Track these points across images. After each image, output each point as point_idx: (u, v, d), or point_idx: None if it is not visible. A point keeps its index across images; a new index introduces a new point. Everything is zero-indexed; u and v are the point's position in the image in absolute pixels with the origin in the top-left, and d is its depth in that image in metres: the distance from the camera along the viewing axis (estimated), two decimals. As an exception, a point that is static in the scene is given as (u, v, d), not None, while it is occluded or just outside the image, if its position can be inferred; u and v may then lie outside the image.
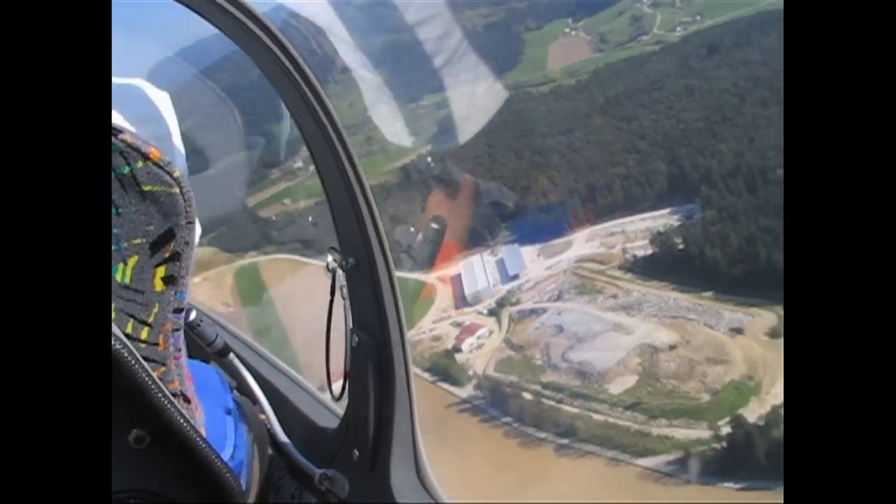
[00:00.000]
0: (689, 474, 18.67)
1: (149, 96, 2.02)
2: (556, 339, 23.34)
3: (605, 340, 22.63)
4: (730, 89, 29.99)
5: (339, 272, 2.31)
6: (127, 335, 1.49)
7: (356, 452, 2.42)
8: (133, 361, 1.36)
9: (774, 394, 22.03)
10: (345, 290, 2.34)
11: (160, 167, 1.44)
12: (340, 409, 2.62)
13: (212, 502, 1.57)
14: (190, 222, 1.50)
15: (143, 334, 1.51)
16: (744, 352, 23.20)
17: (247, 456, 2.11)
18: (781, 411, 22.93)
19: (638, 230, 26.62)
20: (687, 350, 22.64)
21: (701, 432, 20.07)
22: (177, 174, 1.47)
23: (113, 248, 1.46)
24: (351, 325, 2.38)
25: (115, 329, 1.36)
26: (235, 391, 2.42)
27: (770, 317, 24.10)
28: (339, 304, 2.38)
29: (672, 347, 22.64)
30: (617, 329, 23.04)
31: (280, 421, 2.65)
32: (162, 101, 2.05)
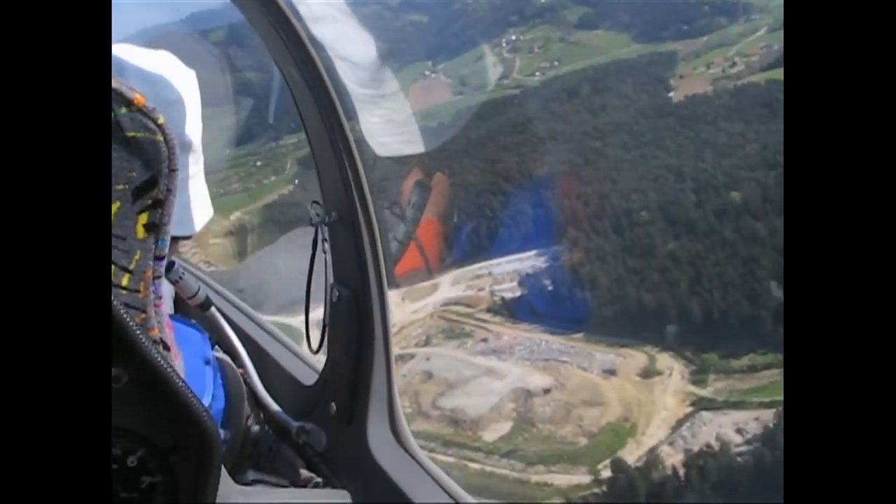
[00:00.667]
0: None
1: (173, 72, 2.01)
2: (426, 386, 23.20)
3: (477, 386, 22.77)
4: (591, 133, 31.52)
5: (322, 226, 2.36)
6: None
7: (333, 406, 2.46)
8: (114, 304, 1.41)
9: (651, 434, 22.86)
10: (327, 245, 2.39)
11: (144, 114, 1.46)
12: (319, 364, 2.66)
13: (189, 442, 1.59)
14: (173, 170, 1.52)
15: (124, 281, 1.53)
16: (618, 393, 24.00)
17: (225, 407, 2.14)
18: (659, 452, 23.97)
19: (505, 272, 27.24)
20: (562, 393, 23.13)
21: (580, 477, 20.40)
22: (161, 121, 1.48)
23: None
24: (332, 280, 2.43)
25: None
26: (216, 345, 2.43)
27: (641, 357, 25.12)
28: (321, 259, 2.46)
29: (546, 391, 23.13)
30: (489, 374, 23.28)
31: (259, 375, 2.66)
32: (187, 78, 2.05)
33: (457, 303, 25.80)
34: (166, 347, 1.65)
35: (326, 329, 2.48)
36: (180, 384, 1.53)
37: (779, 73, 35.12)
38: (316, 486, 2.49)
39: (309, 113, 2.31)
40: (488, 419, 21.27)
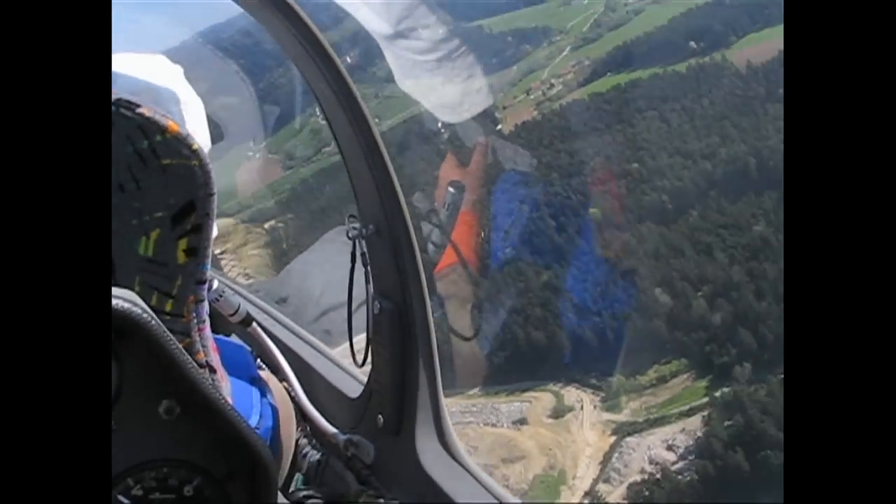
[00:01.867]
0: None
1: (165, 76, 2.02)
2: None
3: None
4: (432, 182, 31.85)
5: (360, 239, 2.45)
6: (152, 307, 1.56)
7: (380, 418, 2.53)
8: (160, 333, 1.48)
9: (582, 476, 22.73)
10: (366, 257, 2.47)
11: (179, 140, 1.55)
12: (363, 375, 2.74)
13: (243, 469, 1.67)
14: (210, 194, 1.59)
15: (168, 306, 1.62)
16: (535, 441, 23.78)
17: (273, 424, 2.18)
18: (598, 493, 23.85)
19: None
20: (477, 457, 22.66)
21: (525, 543, 19.85)
22: (195, 146, 1.56)
23: (134, 221, 1.56)
24: (372, 292, 2.52)
25: (140, 302, 1.49)
26: (259, 361, 2.50)
27: (547, 397, 25.10)
28: (361, 271, 2.54)
29: (459, 460, 22.61)
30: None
31: (304, 389, 2.72)
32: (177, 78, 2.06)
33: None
34: (213, 371, 1.74)
35: (370, 342, 2.55)
36: (231, 412, 1.62)
37: (598, 86, 37.17)
38: (367, 498, 2.56)
39: (341, 128, 2.39)
40: None
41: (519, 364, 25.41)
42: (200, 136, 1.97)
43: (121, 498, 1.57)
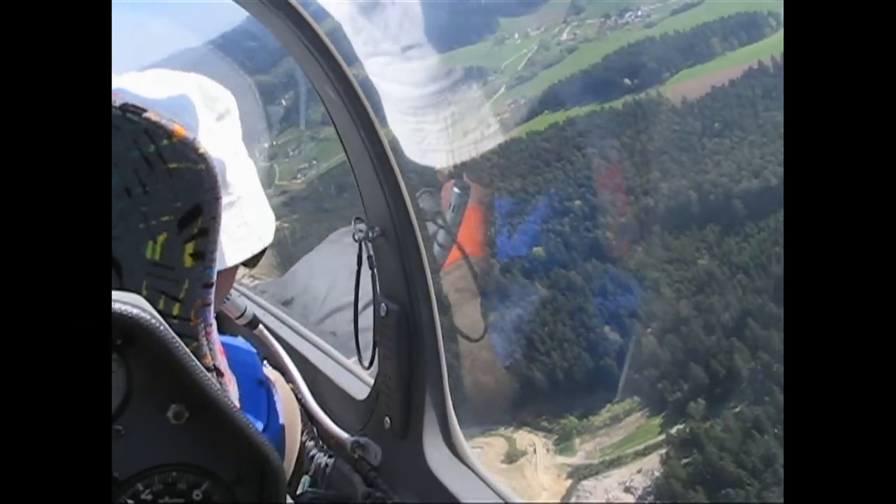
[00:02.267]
0: None
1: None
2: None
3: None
4: (369, 227, 32.16)
5: (367, 242, 2.51)
6: (159, 311, 1.61)
7: (388, 420, 2.59)
8: (168, 338, 1.52)
9: None
10: (372, 259, 2.53)
11: (185, 144, 1.59)
12: (370, 377, 2.80)
13: (252, 472, 1.72)
14: (217, 198, 1.64)
15: (175, 310, 1.66)
16: (489, 488, 23.61)
17: (280, 427, 2.25)
18: None
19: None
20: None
21: None
22: (202, 150, 1.61)
23: (141, 225, 1.60)
24: (379, 294, 2.57)
25: (148, 306, 1.53)
26: (266, 362, 2.54)
27: (499, 442, 24.93)
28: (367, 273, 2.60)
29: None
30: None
31: (311, 390, 2.83)
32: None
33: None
34: (220, 374, 1.77)
35: (377, 344, 2.61)
36: (239, 415, 1.66)
37: (535, 124, 37.80)
38: (374, 500, 2.62)
39: (347, 130, 2.46)
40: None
41: (467, 410, 25.29)
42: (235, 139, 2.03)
43: (130, 503, 1.60)
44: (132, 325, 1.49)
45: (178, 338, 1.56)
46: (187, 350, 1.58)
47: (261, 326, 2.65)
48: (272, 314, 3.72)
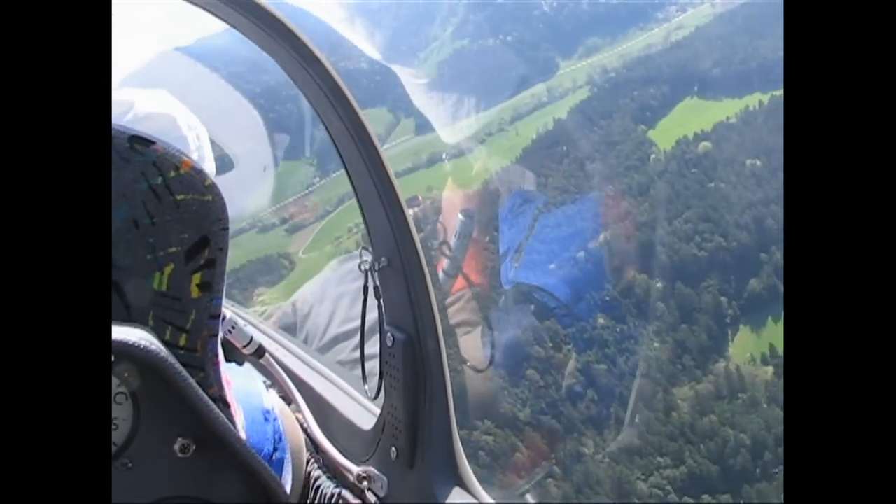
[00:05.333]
0: None
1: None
2: None
3: None
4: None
5: (373, 272, 2.64)
6: (165, 342, 1.71)
7: (394, 450, 2.67)
8: (176, 371, 1.62)
9: None
10: (378, 290, 2.65)
11: (193, 175, 1.71)
12: (376, 406, 2.90)
13: None
14: (224, 229, 1.76)
15: (182, 341, 1.76)
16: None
17: (285, 457, 2.37)
18: None
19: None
20: None
21: None
22: (209, 182, 1.72)
23: (149, 256, 1.69)
24: (385, 324, 2.67)
25: (152, 338, 1.63)
26: (272, 391, 2.66)
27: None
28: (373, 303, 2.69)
29: None
30: None
31: (317, 420, 2.93)
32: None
33: None
34: (226, 405, 1.85)
35: (383, 374, 2.72)
36: (245, 448, 1.76)
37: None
38: None
39: (352, 160, 2.58)
40: None
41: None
42: (207, 165, 2.04)
43: None
44: (140, 360, 1.58)
45: (185, 370, 1.63)
46: (194, 383, 1.65)
47: (267, 355, 2.73)
48: (278, 343, 3.83)
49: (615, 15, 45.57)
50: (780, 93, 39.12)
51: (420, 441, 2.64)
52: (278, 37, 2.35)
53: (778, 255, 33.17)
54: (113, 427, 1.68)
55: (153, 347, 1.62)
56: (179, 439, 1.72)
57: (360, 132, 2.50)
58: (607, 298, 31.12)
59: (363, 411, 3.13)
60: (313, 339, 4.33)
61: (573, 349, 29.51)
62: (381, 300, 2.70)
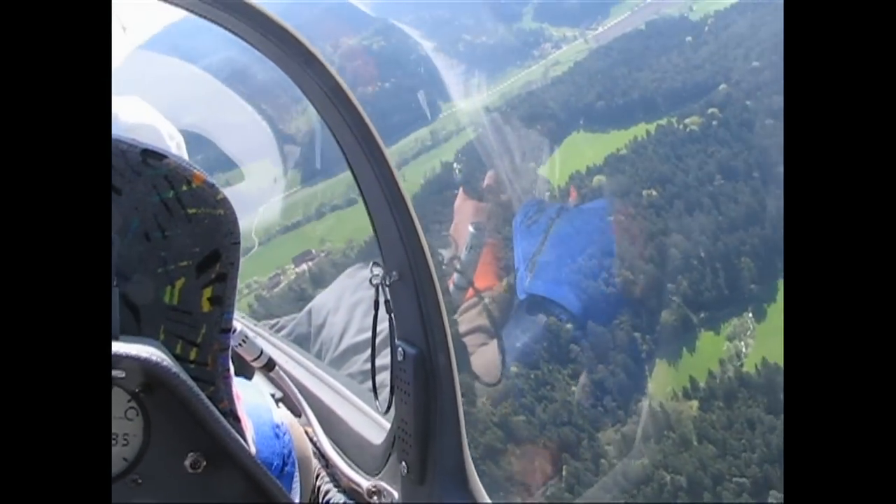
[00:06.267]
0: None
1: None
2: None
3: None
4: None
5: (384, 287, 2.66)
6: (176, 356, 1.74)
7: (404, 465, 2.68)
8: (187, 387, 1.64)
9: None
10: (389, 304, 2.67)
11: (204, 189, 1.71)
12: (386, 420, 2.92)
13: None
14: (235, 243, 1.77)
15: (192, 355, 1.79)
16: None
17: (295, 470, 2.42)
18: None
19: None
20: None
21: None
22: (220, 196, 1.73)
23: (160, 270, 1.72)
24: (396, 338, 2.70)
25: (166, 355, 1.66)
26: (281, 404, 2.74)
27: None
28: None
29: None
30: None
31: (327, 433, 2.98)
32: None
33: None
34: (236, 419, 1.88)
35: (394, 388, 2.73)
36: (255, 464, 1.78)
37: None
38: None
39: (364, 175, 2.62)
40: None
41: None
42: None
43: None
44: (151, 375, 1.61)
45: (196, 385, 1.67)
46: (205, 398, 1.68)
47: (277, 368, 2.77)
48: (287, 354, 3.89)
49: (492, 55, 46.34)
50: (665, 121, 40.42)
51: (431, 456, 2.65)
52: (291, 49, 2.41)
53: (685, 284, 33.73)
54: (123, 443, 1.70)
55: (164, 363, 1.63)
56: (190, 455, 1.74)
57: (372, 146, 2.54)
58: (517, 345, 30.92)
59: (373, 425, 3.15)
60: (327, 351, 4.35)
61: (488, 402, 29.12)
62: (392, 314, 2.71)
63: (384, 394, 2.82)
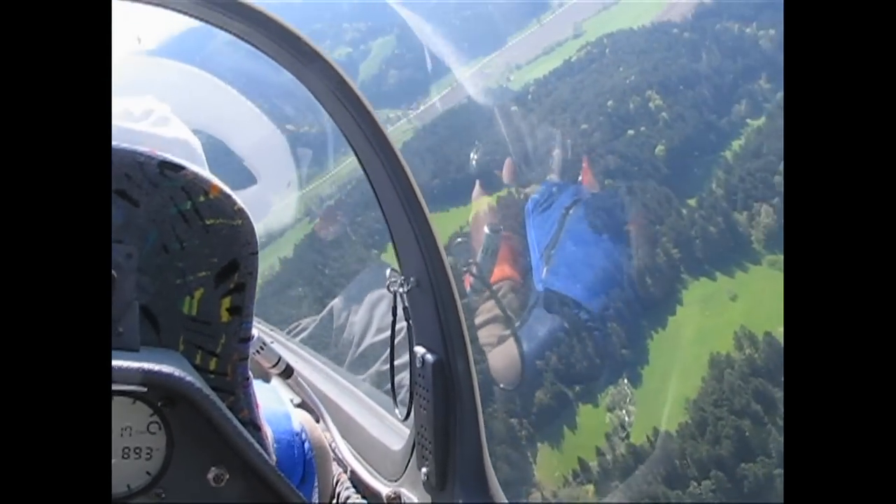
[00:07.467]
0: None
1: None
2: None
3: None
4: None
5: (402, 294, 2.70)
6: (196, 366, 1.78)
7: (424, 472, 2.73)
8: (208, 400, 1.67)
9: None
10: (408, 311, 2.71)
11: (222, 200, 1.74)
12: (405, 426, 2.97)
13: None
14: (253, 252, 1.81)
15: (212, 365, 1.83)
16: None
17: (315, 479, 2.44)
18: None
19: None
20: None
21: None
22: (238, 206, 1.76)
23: (178, 281, 1.75)
24: (415, 345, 2.75)
25: (184, 367, 1.69)
26: (299, 410, 2.71)
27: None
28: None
29: None
30: None
31: (345, 439, 3.05)
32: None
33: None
34: (257, 428, 1.92)
35: (413, 395, 2.77)
36: (277, 476, 1.81)
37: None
38: None
39: (380, 183, 2.66)
40: None
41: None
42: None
43: None
44: (172, 389, 1.64)
45: (217, 398, 1.69)
46: (226, 410, 1.71)
47: (295, 374, 2.85)
48: (305, 360, 3.98)
49: (315, 142, 46.74)
50: (505, 193, 41.26)
51: (451, 463, 2.68)
52: (306, 58, 2.46)
53: (554, 359, 34.12)
54: (147, 457, 1.74)
55: (186, 378, 1.66)
56: (213, 469, 1.77)
57: (387, 153, 2.60)
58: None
59: (392, 432, 3.21)
60: (347, 351, 4.76)
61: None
62: (410, 321, 2.75)
63: (403, 395, 2.87)
